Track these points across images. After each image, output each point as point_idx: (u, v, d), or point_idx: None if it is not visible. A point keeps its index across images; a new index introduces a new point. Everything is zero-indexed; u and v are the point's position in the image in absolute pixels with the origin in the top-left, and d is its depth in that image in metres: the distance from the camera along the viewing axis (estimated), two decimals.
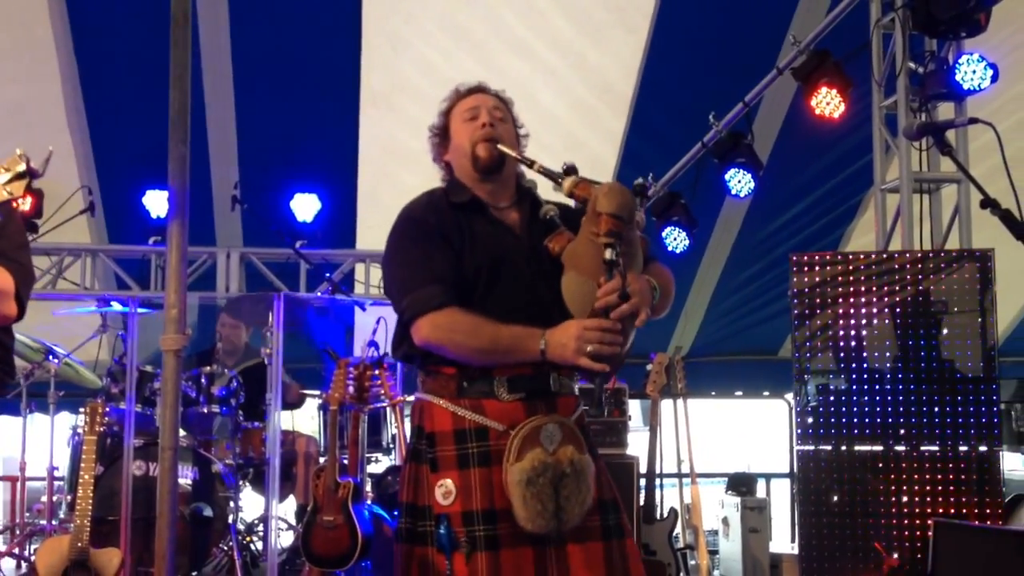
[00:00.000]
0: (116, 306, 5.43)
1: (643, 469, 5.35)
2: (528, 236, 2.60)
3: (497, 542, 2.43)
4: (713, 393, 8.82)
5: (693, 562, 5.63)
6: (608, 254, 2.33)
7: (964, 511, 4.78)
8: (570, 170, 2.56)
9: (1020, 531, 4.82)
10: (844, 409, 5.03)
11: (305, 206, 6.91)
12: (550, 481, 2.38)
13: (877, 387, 5.01)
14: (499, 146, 2.59)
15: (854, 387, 5.03)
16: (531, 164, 2.57)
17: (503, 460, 2.44)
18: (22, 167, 2.24)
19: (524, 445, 2.43)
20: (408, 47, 6.84)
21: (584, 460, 2.44)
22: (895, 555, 4.79)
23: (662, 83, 6.78)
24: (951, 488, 4.84)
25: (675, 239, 6.70)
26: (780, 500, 7.21)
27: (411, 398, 6.49)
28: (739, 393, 8.92)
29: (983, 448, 4.87)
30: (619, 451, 5.43)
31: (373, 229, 7.36)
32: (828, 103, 5.74)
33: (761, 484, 7.01)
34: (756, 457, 7.98)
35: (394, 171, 7.13)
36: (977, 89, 5.35)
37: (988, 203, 2.55)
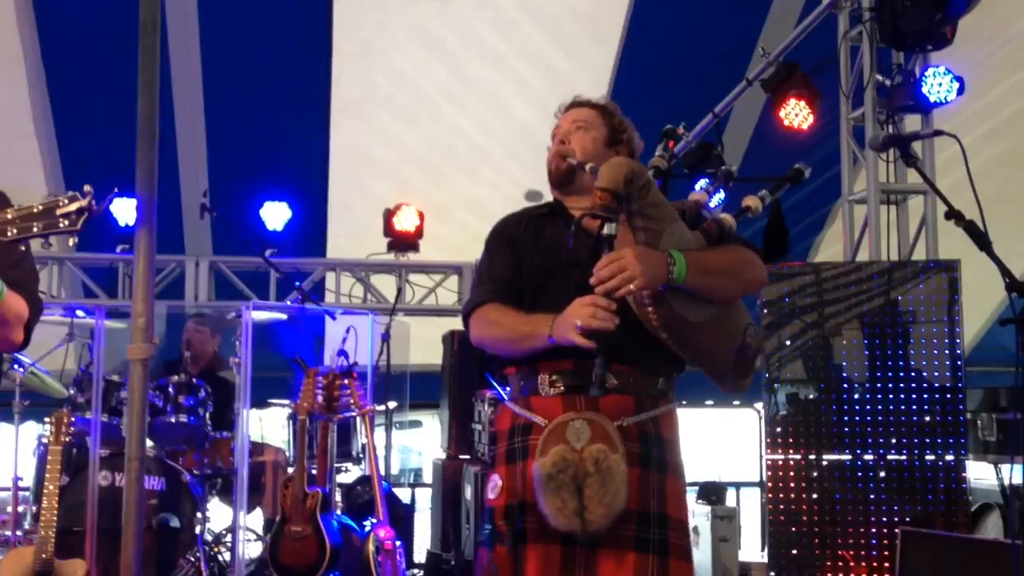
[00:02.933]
0: (82, 315, 5.38)
1: None
2: (601, 238, 2.51)
3: (525, 536, 2.44)
4: (684, 402, 8.81)
5: None
6: (604, 228, 2.31)
7: (931, 520, 4.82)
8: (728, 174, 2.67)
9: (986, 540, 4.85)
10: (813, 418, 5.06)
11: (275, 214, 6.87)
12: (571, 478, 2.34)
13: (845, 396, 5.04)
14: (566, 158, 2.64)
15: (823, 396, 5.07)
16: (584, 168, 2.59)
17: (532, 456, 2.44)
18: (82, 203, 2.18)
19: (549, 440, 2.41)
20: (379, 56, 6.84)
21: (613, 460, 2.36)
22: (863, 564, 4.82)
23: (632, 93, 6.81)
24: (918, 497, 4.88)
25: None
26: (750, 509, 7.23)
27: (380, 407, 6.50)
28: (710, 402, 8.94)
29: (950, 457, 4.91)
30: None
31: (343, 238, 7.34)
32: (797, 114, 5.80)
33: (731, 493, 7.03)
34: (726, 466, 8.01)
35: (364, 179, 7.11)
36: (943, 102, 5.41)
37: (952, 214, 2.58)
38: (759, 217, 2.73)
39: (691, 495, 6.53)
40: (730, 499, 6.70)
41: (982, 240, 2.52)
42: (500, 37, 6.73)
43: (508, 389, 2.67)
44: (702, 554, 6.11)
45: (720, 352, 2.58)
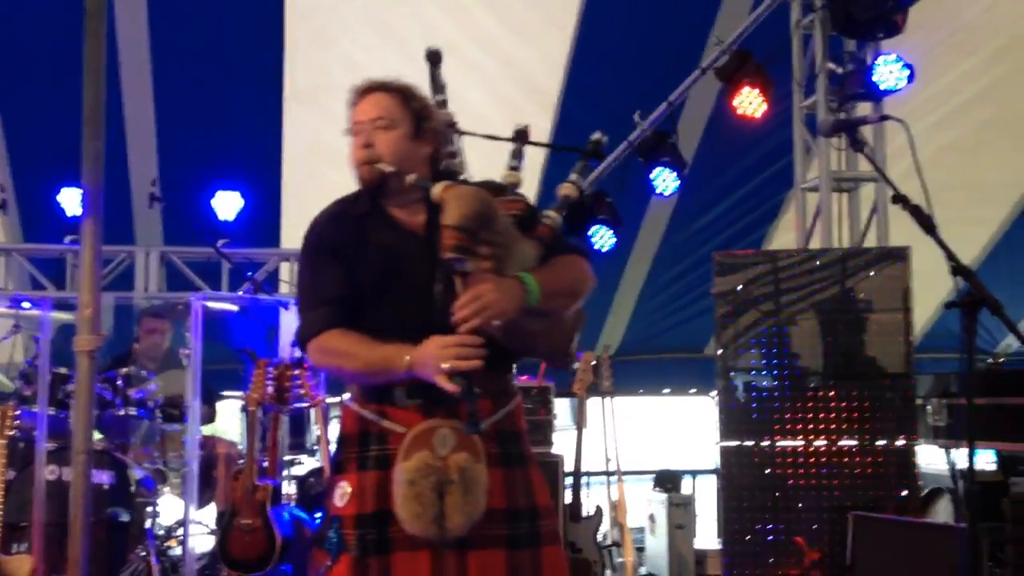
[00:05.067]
0: (28, 307, 5.28)
1: (570, 467, 5.36)
2: (431, 237, 2.48)
3: (390, 545, 2.39)
4: (641, 391, 8.87)
5: (620, 559, 5.65)
6: (457, 265, 2.29)
7: (883, 504, 4.87)
8: (520, 134, 2.55)
9: (936, 524, 4.91)
10: (767, 405, 5.10)
11: (227, 204, 6.77)
12: (432, 485, 2.32)
13: (800, 383, 5.08)
14: (378, 166, 2.51)
15: (777, 383, 5.10)
16: (403, 178, 2.47)
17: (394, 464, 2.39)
18: None
19: (413, 446, 2.37)
20: (333, 44, 6.76)
21: (476, 469, 2.36)
22: (816, 549, 4.86)
23: (588, 82, 6.80)
24: (870, 482, 4.93)
25: (602, 238, 6.72)
26: (706, 496, 7.27)
27: (333, 399, 6.45)
28: (667, 391, 8.99)
29: (901, 442, 4.97)
30: (544, 449, 5.43)
31: (297, 228, 7.17)
32: (750, 103, 5.82)
33: (687, 481, 7.07)
34: (683, 454, 8.04)
35: (318, 169, 7.03)
36: (894, 89, 5.46)
37: (899, 199, 2.59)
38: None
39: (648, 483, 6.57)
40: (686, 487, 6.74)
41: (927, 223, 2.53)
42: (455, 25, 6.68)
43: (350, 388, 2.60)
44: (659, 541, 6.14)
45: (555, 347, 2.61)
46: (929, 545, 4.21)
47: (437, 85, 2.68)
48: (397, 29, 6.67)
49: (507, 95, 7.02)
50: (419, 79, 2.74)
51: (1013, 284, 8.18)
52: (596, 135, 2.73)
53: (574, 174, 2.66)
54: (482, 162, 2.78)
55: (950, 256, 2.50)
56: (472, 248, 2.29)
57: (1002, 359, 6.60)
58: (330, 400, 5.62)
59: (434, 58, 2.68)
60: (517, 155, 2.69)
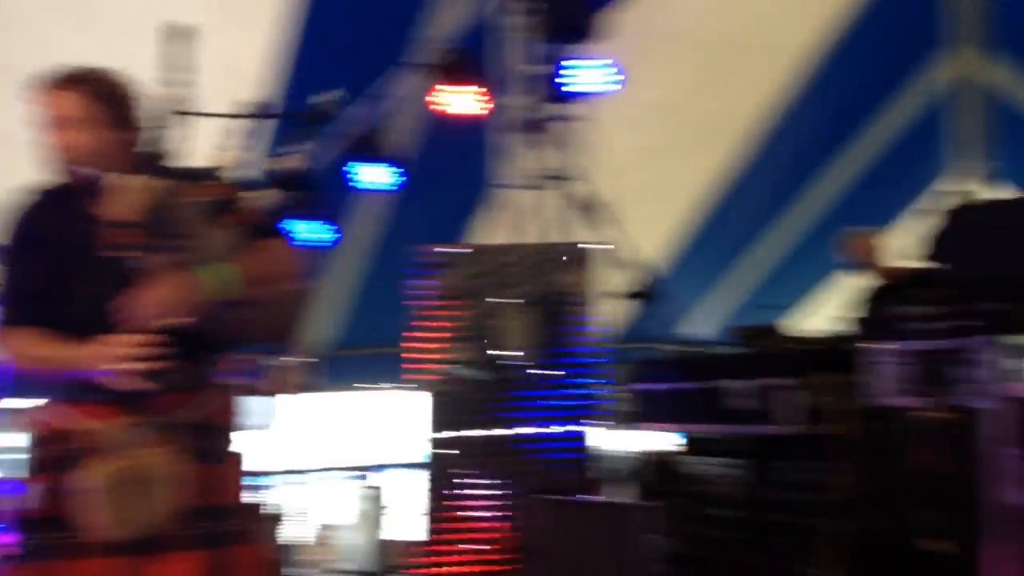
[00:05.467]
0: None
1: (272, 467, 5.29)
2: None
3: (77, 551, 2.29)
4: (351, 385, 8.83)
5: (307, 556, 5.61)
6: (128, 261, 2.27)
7: (578, 487, 5.10)
8: (241, 110, 2.49)
9: (616, 502, 5.16)
10: (477, 396, 5.23)
11: None
12: (132, 487, 2.25)
13: (504, 374, 5.24)
14: (75, 168, 2.44)
15: (483, 375, 5.24)
16: (99, 177, 2.39)
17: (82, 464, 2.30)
18: None
19: (101, 448, 2.29)
20: (18, 23, 6.27)
21: (175, 466, 2.31)
22: (514, 532, 5.03)
23: (300, 74, 6.69)
24: (567, 466, 5.17)
25: (314, 232, 6.65)
26: (412, 489, 7.36)
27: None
28: (376, 385, 8.98)
29: (596, 428, 5.23)
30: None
31: None
32: (459, 100, 5.95)
33: (393, 474, 7.11)
34: (393, 448, 8.10)
35: (3, 160, 6.52)
36: (597, 92, 5.69)
37: (577, 202, 2.73)
38: None
39: (353, 480, 6.54)
40: (391, 480, 6.77)
41: (607, 221, 2.68)
42: (164, 9, 6.35)
43: (39, 387, 2.54)
44: (362, 535, 6.14)
45: (266, 332, 2.64)
46: (611, 521, 4.46)
47: (169, 64, 2.56)
48: (92, 9, 6.29)
49: (223, 86, 6.75)
50: (118, 64, 2.61)
51: (704, 274, 8.87)
52: (325, 96, 2.70)
53: (303, 145, 2.63)
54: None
55: (627, 251, 2.66)
56: (142, 243, 2.24)
57: (674, 348, 7.07)
58: None
59: (171, 33, 2.56)
60: (231, 134, 2.63)
